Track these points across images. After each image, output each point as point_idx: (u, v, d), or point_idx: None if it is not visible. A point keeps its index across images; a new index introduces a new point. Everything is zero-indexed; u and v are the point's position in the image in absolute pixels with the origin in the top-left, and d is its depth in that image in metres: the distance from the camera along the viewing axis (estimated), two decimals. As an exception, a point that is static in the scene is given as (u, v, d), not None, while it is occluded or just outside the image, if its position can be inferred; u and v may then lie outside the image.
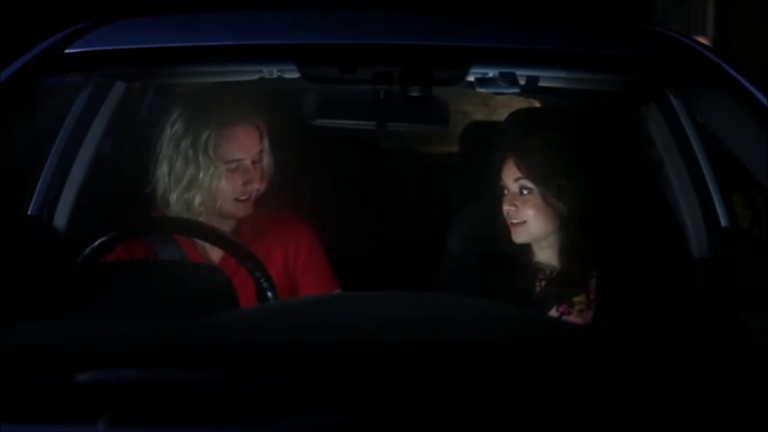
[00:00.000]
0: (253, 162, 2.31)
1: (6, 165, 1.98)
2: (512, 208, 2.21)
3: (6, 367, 1.24)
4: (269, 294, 2.02)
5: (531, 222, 2.20)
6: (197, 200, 2.27)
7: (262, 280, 2.02)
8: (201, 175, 2.26)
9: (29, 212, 2.27)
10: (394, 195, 3.21)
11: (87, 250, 1.95)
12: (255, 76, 2.12)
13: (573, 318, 2.21)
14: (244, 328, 1.40)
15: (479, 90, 2.07)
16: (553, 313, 2.21)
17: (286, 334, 1.35)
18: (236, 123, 2.29)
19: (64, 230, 2.32)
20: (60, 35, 2.00)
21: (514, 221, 2.21)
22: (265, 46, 1.97)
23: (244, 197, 2.30)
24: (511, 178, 2.21)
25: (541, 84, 2.16)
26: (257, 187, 2.31)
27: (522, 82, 2.05)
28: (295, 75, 2.05)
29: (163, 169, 2.28)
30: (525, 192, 2.20)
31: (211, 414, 1.19)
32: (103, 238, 1.97)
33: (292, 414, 1.17)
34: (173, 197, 2.27)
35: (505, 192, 2.23)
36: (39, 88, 2.03)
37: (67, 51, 1.95)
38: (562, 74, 2.13)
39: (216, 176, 2.26)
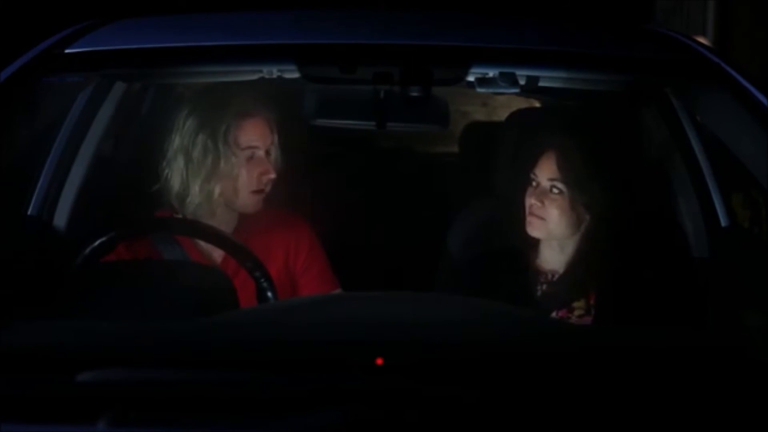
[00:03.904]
0: (267, 153, 2.34)
1: (6, 165, 1.98)
2: (537, 203, 2.18)
3: (6, 367, 1.24)
4: (269, 294, 2.02)
5: (551, 221, 2.18)
6: (217, 191, 2.29)
7: (262, 280, 2.02)
8: (222, 163, 2.28)
9: (29, 212, 2.27)
10: (394, 195, 3.21)
11: (87, 250, 1.95)
12: (255, 76, 2.12)
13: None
14: (244, 328, 1.40)
15: (479, 90, 2.07)
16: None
17: (286, 334, 1.35)
18: (251, 114, 2.33)
19: (64, 230, 2.32)
20: (60, 35, 2.00)
21: (535, 215, 2.19)
22: (265, 46, 1.97)
23: (259, 188, 2.33)
24: (547, 174, 2.18)
25: (541, 84, 2.16)
26: (272, 177, 2.34)
27: (522, 82, 2.05)
28: (295, 75, 2.05)
29: (178, 163, 2.30)
30: (555, 191, 2.17)
31: (211, 414, 1.19)
32: (103, 238, 1.97)
33: (292, 414, 1.17)
34: (194, 189, 2.29)
35: (534, 184, 2.20)
36: (39, 88, 2.03)
37: (67, 51, 1.95)
38: (562, 74, 2.13)
39: (236, 164, 2.29)
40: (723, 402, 1.22)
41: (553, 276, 2.25)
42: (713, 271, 2.34)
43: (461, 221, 2.52)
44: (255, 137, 2.32)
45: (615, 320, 2.14)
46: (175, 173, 2.30)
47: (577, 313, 2.20)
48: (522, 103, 3.23)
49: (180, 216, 2.32)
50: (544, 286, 2.24)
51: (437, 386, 1.20)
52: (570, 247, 2.22)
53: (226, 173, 2.29)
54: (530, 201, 2.19)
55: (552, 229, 2.19)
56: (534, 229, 2.20)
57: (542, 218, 2.18)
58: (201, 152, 2.28)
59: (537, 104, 3.27)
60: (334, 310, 1.47)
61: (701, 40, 2.24)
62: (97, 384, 1.21)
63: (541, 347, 1.34)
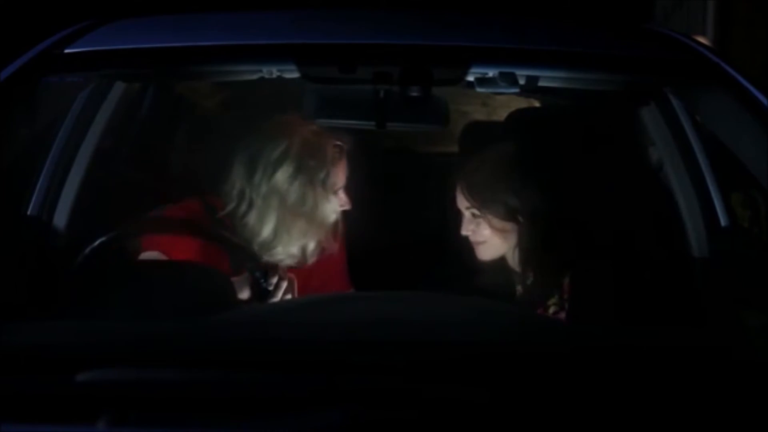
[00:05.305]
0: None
1: (6, 165, 1.98)
2: (470, 232, 2.26)
3: (6, 367, 1.24)
4: (269, 294, 2.02)
5: (489, 241, 2.26)
6: (312, 245, 2.24)
7: (262, 280, 2.02)
8: (319, 211, 2.23)
9: (29, 212, 2.27)
10: (394, 195, 3.20)
11: (87, 250, 1.95)
12: (255, 76, 2.12)
13: None
14: (245, 328, 1.41)
15: (479, 90, 2.07)
16: None
17: (286, 334, 1.35)
18: (342, 158, 2.30)
19: (64, 230, 2.32)
20: (60, 35, 2.00)
21: (475, 241, 2.27)
22: (265, 46, 1.97)
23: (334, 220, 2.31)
24: (462, 204, 2.27)
25: (540, 84, 2.16)
26: (347, 208, 2.32)
27: (522, 81, 2.05)
28: (295, 75, 2.05)
29: (269, 210, 2.19)
30: (476, 216, 2.25)
31: (210, 414, 1.19)
32: (103, 238, 1.97)
33: (292, 414, 1.17)
34: (285, 239, 2.21)
35: (462, 216, 2.28)
36: (39, 88, 2.03)
37: (67, 51, 1.95)
38: (562, 74, 2.13)
39: (329, 210, 2.25)
40: (722, 402, 1.23)
41: (525, 278, 2.28)
42: (713, 271, 2.34)
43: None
44: (342, 177, 2.29)
45: (586, 313, 2.15)
46: (264, 220, 2.20)
47: (552, 309, 2.23)
48: (522, 103, 3.23)
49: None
50: (520, 288, 2.29)
51: (437, 386, 1.20)
52: (523, 254, 2.26)
53: (320, 220, 2.23)
54: (465, 232, 2.27)
55: (496, 246, 2.26)
56: (483, 254, 2.28)
57: (482, 242, 2.26)
58: (299, 199, 2.20)
59: (537, 104, 3.27)
60: (334, 310, 1.47)
61: (701, 40, 2.24)
62: (97, 384, 1.21)
63: (543, 347, 1.34)
